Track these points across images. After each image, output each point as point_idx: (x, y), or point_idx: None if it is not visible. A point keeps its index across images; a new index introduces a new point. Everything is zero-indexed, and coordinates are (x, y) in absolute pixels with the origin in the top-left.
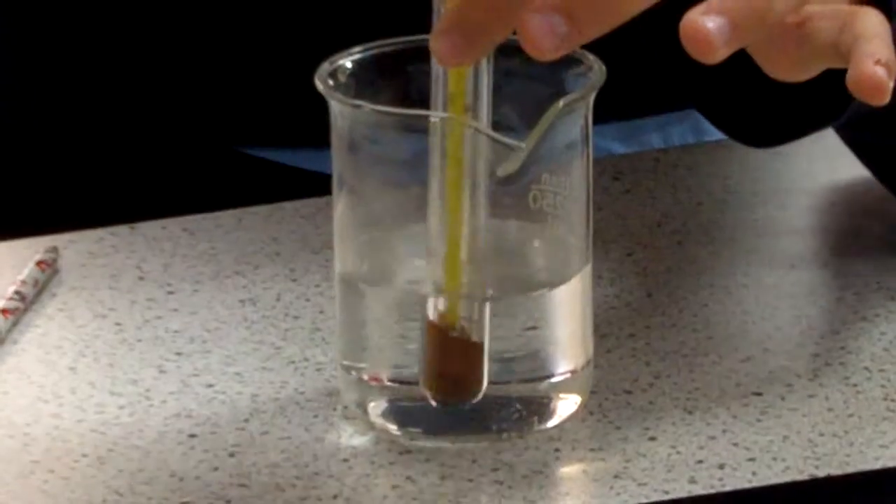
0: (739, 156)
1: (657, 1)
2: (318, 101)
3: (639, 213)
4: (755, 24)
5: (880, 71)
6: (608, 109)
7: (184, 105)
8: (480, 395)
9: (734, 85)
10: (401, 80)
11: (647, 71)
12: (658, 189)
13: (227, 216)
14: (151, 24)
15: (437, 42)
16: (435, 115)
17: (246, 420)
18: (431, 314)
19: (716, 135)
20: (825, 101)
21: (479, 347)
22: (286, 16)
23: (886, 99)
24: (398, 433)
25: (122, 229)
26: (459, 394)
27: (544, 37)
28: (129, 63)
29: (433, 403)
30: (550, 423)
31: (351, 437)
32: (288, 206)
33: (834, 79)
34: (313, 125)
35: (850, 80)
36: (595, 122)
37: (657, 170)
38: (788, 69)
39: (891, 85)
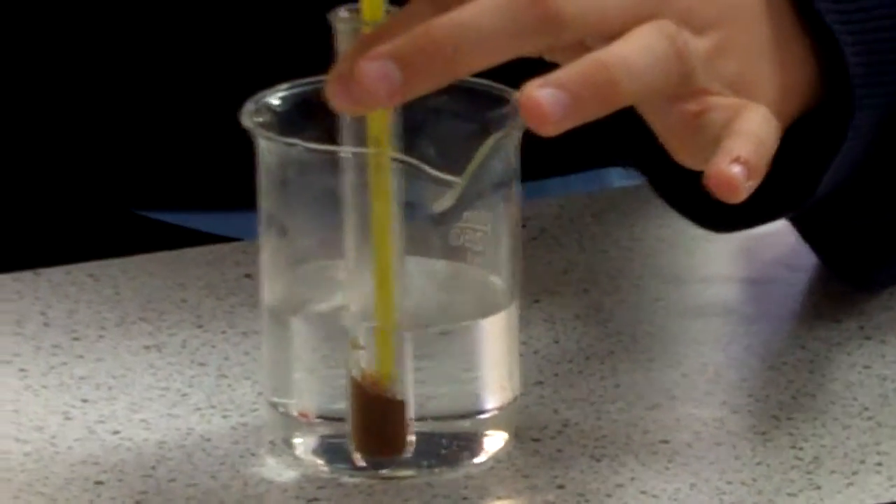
0: (645, 202)
1: (495, 61)
2: (217, 164)
3: (545, 260)
4: (596, 104)
5: (735, 169)
6: None
7: (81, 165)
8: (410, 453)
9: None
10: (325, 118)
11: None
12: (564, 236)
13: (132, 262)
14: (52, 81)
15: (331, 87)
16: (365, 152)
17: (153, 467)
18: (354, 372)
19: None
20: (783, 189)
21: (401, 406)
22: (188, 82)
23: (740, 198)
24: (326, 469)
25: (27, 275)
26: (385, 452)
27: (378, 83)
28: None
29: (361, 463)
30: (478, 460)
31: (257, 485)
32: (193, 252)
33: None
34: (213, 189)
35: (706, 175)
36: None
37: (562, 216)
38: (692, 158)
39: (747, 184)
